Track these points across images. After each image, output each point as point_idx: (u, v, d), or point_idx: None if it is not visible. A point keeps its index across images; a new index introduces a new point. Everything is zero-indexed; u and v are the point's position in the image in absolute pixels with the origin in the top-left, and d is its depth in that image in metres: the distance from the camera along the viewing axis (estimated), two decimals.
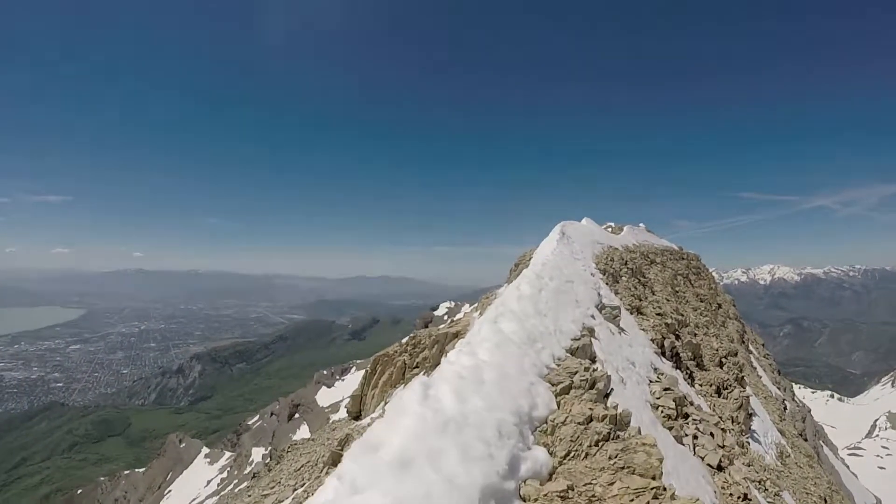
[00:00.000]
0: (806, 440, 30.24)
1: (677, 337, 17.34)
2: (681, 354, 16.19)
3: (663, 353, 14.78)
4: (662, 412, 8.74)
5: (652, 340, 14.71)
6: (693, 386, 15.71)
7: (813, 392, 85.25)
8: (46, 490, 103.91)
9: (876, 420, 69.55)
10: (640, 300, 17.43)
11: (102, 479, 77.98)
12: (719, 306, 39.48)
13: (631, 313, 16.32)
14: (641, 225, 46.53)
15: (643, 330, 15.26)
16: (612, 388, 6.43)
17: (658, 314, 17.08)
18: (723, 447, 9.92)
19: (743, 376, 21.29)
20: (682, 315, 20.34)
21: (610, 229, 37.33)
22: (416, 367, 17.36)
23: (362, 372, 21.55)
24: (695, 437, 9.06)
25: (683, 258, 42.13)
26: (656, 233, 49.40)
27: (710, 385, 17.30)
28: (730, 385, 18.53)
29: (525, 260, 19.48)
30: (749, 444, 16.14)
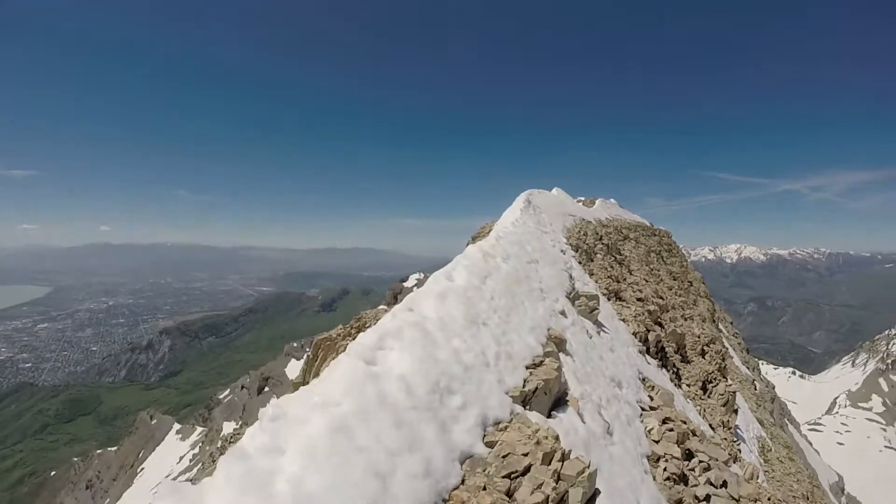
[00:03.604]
0: (773, 420, 28.95)
1: (661, 325, 14.63)
2: (665, 348, 13.47)
3: (648, 350, 11.97)
4: (666, 470, 5.74)
5: (634, 334, 11.84)
6: (680, 387, 13.03)
7: (775, 369, 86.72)
8: (20, 474, 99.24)
9: (836, 398, 70.78)
10: (619, 282, 14.52)
11: (76, 459, 76.57)
12: (690, 284, 37.71)
13: (608, 299, 13.41)
14: (612, 200, 44.11)
15: (623, 320, 12.36)
16: (597, 490, 3.24)
17: (639, 299, 14.25)
18: (738, 501, 7.10)
19: (725, 365, 19.08)
20: (663, 298, 17.66)
21: (582, 203, 34.62)
22: None
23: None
24: (707, 498, 6.18)
25: (655, 234, 40.05)
26: (627, 209, 47.16)
27: (697, 381, 14.80)
28: (714, 378, 16.16)
29: (484, 233, 16.15)
30: (740, 451, 13.82)
